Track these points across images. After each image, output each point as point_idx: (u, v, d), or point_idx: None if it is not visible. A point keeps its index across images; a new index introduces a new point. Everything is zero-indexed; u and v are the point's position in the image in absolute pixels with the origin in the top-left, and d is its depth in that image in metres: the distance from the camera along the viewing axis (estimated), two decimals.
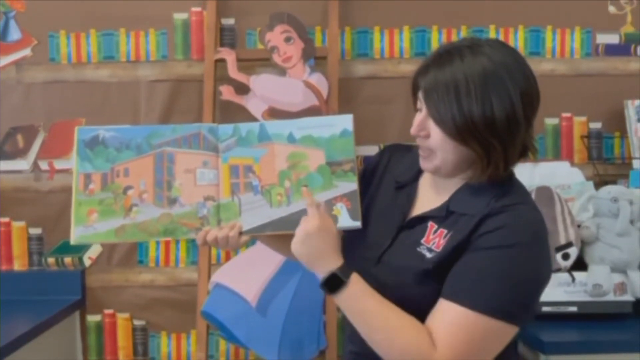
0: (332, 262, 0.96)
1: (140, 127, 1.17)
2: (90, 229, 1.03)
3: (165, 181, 1.05)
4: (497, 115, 0.92)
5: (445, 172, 0.99)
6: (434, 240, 0.97)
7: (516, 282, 0.92)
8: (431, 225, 0.99)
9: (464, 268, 0.93)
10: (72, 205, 1.03)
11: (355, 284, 0.95)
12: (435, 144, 0.96)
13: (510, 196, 0.96)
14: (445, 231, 0.97)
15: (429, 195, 1.04)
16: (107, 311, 1.95)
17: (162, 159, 1.06)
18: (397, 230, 1.02)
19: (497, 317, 0.91)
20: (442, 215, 0.99)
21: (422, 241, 0.98)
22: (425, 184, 1.06)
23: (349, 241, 1.05)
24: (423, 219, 1.01)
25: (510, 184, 0.99)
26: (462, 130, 0.93)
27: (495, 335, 0.92)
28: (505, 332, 0.93)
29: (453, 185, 1.01)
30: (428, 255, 0.96)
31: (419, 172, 1.06)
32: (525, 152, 0.99)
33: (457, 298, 0.92)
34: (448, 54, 0.96)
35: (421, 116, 0.98)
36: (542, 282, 0.97)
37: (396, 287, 0.96)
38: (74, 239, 1.04)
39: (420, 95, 0.98)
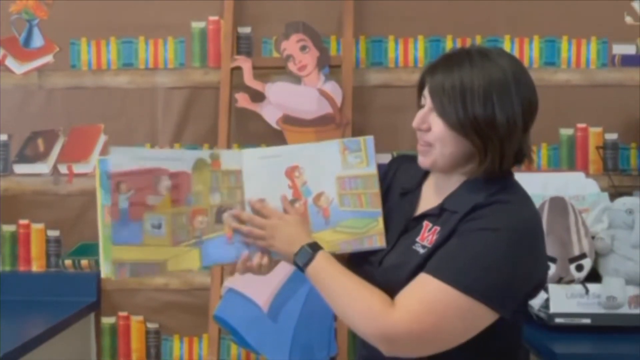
0: (302, 241, 1.02)
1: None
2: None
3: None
4: (498, 118, 0.96)
5: (443, 166, 1.01)
6: (428, 237, 1.00)
7: (492, 264, 0.92)
8: (426, 224, 1.02)
9: (444, 248, 0.96)
10: (99, 239, 1.00)
11: (322, 257, 1.00)
12: (435, 136, 0.99)
13: (504, 194, 0.98)
14: (438, 228, 1.00)
15: (430, 198, 1.07)
16: (122, 314, 1.98)
17: None
18: (398, 235, 1.05)
19: (463, 292, 0.91)
20: (436, 214, 1.01)
21: (417, 239, 1.01)
22: (428, 188, 1.09)
23: None
24: (419, 218, 1.04)
25: (506, 184, 1.01)
26: (463, 123, 0.96)
27: (461, 312, 0.91)
28: (475, 312, 0.91)
29: (452, 185, 1.03)
30: (421, 251, 0.99)
31: (423, 178, 1.09)
32: (521, 156, 1.01)
33: (427, 269, 0.95)
34: (458, 57, 0.99)
35: (424, 110, 1.01)
36: (527, 275, 0.96)
37: (394, 285, 0.98)
38: (104, 274, 1.02)
39: (426, 92, 1.01)
